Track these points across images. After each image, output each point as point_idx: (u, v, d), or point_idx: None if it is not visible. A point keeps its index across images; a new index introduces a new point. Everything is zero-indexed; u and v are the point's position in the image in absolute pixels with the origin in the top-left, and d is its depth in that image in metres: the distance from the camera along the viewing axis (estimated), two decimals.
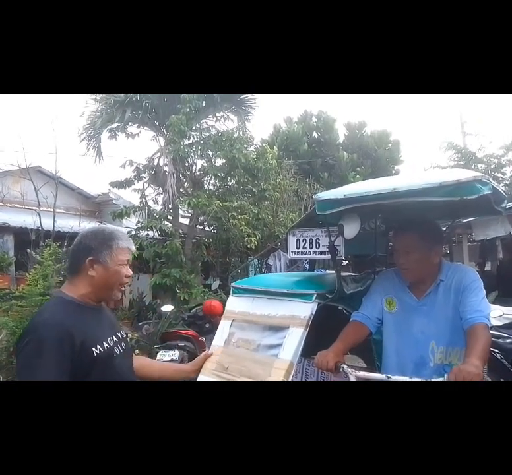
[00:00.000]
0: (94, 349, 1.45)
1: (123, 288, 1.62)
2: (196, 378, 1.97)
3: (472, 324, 1.71)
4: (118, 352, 1.58)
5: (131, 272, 1.63)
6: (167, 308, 6.53)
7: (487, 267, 11.42)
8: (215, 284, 8.47)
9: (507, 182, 11.39)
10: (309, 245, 2.24)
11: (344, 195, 1.72)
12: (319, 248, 2.21)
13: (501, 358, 3.70)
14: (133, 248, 1.65)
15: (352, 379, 1.68)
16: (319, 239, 2.21)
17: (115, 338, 1.60)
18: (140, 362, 1.84)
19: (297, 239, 2.28)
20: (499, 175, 11.71)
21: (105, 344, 1.52)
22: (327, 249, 2.10)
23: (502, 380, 3.72)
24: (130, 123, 9.81)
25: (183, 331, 5.17)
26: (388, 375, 1.64)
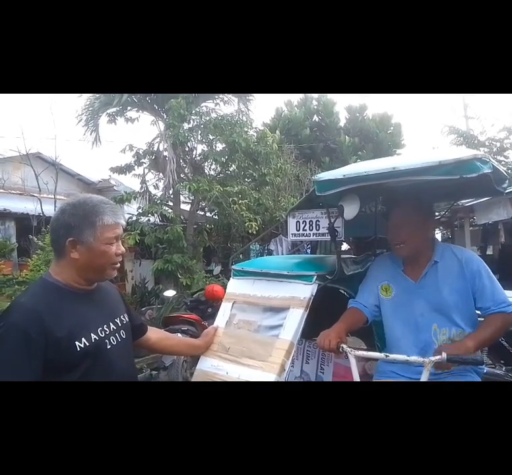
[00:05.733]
0: (77, 342, 1.28)
1: (116, 266, 1.43)
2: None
3: (489, 314, 1.74)
4: (113, 343, 1.41)
5: (123, 249, 1.42)
6: (170, 293, 6.58)
7: (489, 251, 11.45)
8: (217, 269, 8.52)
9: (510, 165, 11.30)
10: (309, 227, 2.23)
11: (343, 175, 1.71)
12: (318, 230, 2.19)
13: (502, 340, 3.72)
14: (123, 221, 1.41)
15: (351, 358, 1.70)
16: (318, 221, 2.19)
17: (112, 326, 1.43)
18: (159, 335, 1.83)
19: (297, 221, 2.27)
20: (502, 158, 11.62)
21: (94, 336, 1.34)
22: (327, 231, 2.10)
23: (502, 362, 3.75)
24: (129, 107, 9.72)
25: (185, 315, 5.22)
26: (387, 354, 1.66)
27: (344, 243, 7.29)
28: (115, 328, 1.44)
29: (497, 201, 6.47)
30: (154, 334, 1.79)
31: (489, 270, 1.84)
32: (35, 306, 1.25)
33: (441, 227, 11.95)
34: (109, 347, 1.39)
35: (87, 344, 1.30)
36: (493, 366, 3.68)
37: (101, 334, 1.37)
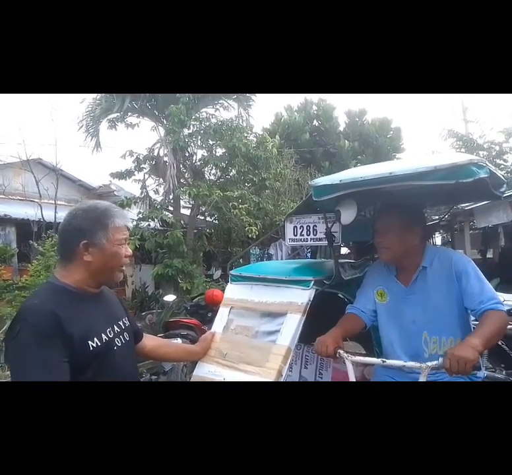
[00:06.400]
0: (90, 342, 1.31)
1: (123, 268, 1.48)
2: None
3: (482, 312, 1.68)
4: (119, 344, 1.44)
5: (130, 251, 1.48)
6: (170, 298, 6.57)
7: (489, 255, 11.43)
8: (217, 274, 8.52)
9: (509, 169, 11.29)
10: (307, 232, 2.23)
11: (340, 180, 1.71)
12: (316, 235, 2.20)
13: (502, 344, 3.71)
14: (130, 224, 1.49)
15: (348, 363, 1.69)
16: (316, 226, 2.20)
17: (116, 328, 1.46)
18: (156, 343, 1.83)
19: (295, 226, 2.28)
20: (501, 162, 11.62)
21: (104, 336, 1.37)
22: (324, 236, 2.10)
23: (502, 366, 3.74)
24: (129, 113, 9.79)
25: (185, 320, 5.20)
26: (384, 359, 1.65)
27: (345, 247, 7.29)
28: (119, 330, 1.47)
29: (496, 205, 6.46)
30: (150, 341, 1.79)
31: (478, 269, 1.80)
32: (48, 307, 1.27)
33: (441, 231, 11.93)
34: (115, 348, 1.42)
35: (98, 343, 1.33)
36: (494, 370, 3.67)
37: (110, 334, 1.41)
